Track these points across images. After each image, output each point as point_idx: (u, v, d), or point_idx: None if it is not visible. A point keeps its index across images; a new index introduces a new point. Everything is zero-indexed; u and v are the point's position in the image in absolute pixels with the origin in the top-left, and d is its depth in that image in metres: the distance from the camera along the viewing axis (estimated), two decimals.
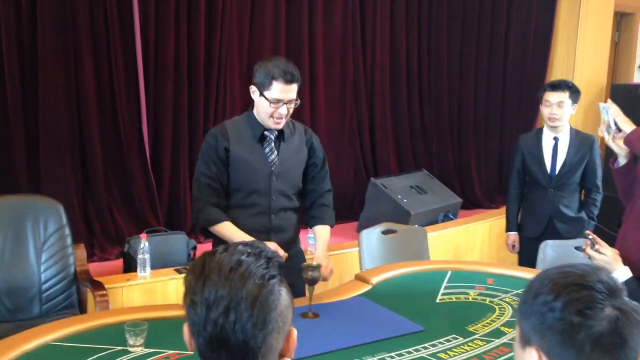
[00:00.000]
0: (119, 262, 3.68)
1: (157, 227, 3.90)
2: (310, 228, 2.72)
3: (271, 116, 2.43)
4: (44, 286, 2.88)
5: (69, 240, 2.96)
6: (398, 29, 5.28)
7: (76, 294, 2.96)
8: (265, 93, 2.41)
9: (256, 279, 1.02)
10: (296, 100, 2.46)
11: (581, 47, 5.86)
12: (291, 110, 2.48)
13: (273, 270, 1.05)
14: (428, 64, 5.52)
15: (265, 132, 2.52)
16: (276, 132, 2.54)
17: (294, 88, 2.43)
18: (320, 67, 4.90)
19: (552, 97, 3.40)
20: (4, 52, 3.54)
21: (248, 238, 2.38)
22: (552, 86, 3.43)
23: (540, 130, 3.60)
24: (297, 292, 2.39)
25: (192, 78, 4.23)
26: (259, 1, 4.51)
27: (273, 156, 2.53)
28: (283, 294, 1.05)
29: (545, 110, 3.46)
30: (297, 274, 2.32)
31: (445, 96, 5.64)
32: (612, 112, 2.58)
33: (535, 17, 5.94)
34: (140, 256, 3.32)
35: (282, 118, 2.45)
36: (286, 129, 2.56)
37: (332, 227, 2.72)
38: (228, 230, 2.46)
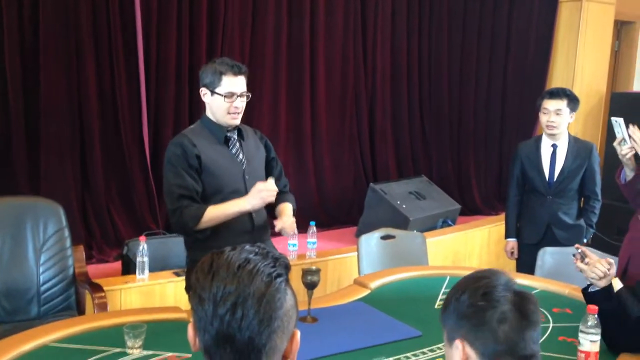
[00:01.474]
0: (118, 265, 3.68)
1: (156, 230, 3.91)
2: (274, 211, 2.67)
3: (228, 112, 2.45)
4: (43, 287, 2.88)
5: (68, 242, 2.96)
6: (399, 36, 5.30)
7: (74, 295, 2.96)
8: (217, 90, 2.43)
9: (264, 276, 1.03)
10: (247, 92, 2.49)
11: (581, 55, 5.87)
12: (244, 105, 2.49)
13: (280, 270, 1.06)
14: (429, 70, 5.54)
15: (228, 134, 2.53)
16: (236, 132, 2.55)
17: (243, 80, 2.46)
18: (321, 72, 4.92)
19: (550, 104, 3.41)
20: (5, 53, 3.55)
21: (241, 204, 2.41)
22: (551, 94, 3.43)
23: (539, 138, 3.61)
24: None
25: (193, 81, 4.23)
26: (261, 5, 4.53)
27: (241, 156, 2.55)
28: (289, 294, 1.07)
29: (543, 118, 3.46)
30: None
31: (445, 102, 5.66)
32: (624, 127, 2.62)
33: (536, 24, 5.96)
34: (139, 259, 3.32)
35: (238, 112, 2.47)
36: (242, 129, 2.59)
37: (294, 209, 2.68)
38: (217, 211, 2.41)
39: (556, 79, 5.96)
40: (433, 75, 5.58)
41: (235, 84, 2.43)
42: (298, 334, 1.10)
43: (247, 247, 1.08)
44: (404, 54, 5.35)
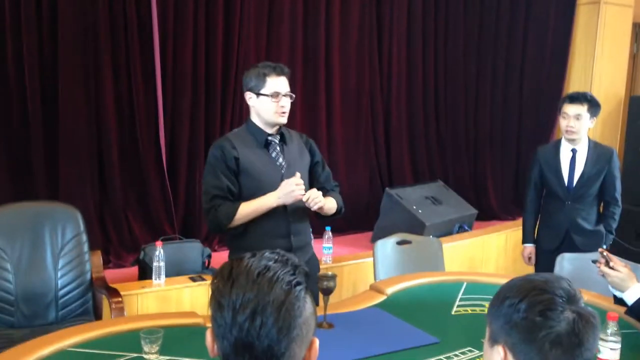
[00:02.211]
0: (134, 270, 3.70)
1: (173, 235, 3.92)
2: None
3: (275, 111, 2.51)
4: (61, 292, 2.90)
5: (86, 247, 2.98)
6: (414, 39, 5.29)
7: (92, 300, 2.98)
8: (263, 91, 2.51)
9: (283, 284, 1.03)
10: (290, 93, 2.55)
11: (599, 59, 5.82)
12: (289, 105, 2.55)
13: (299, 278, 1.06)
14: (444, 74, 5.52)
15: (269, 138, 2.58)
16: (279, 137, 2.61)
17: (285, 81, 2.54)
18: (336, 76, 4.92)
19: (570, 109, 3.37)
20: (24, 60, 3.59)
21: (268, 199, 2.47)
22: (571, 98, 3.39)
23: (558, 142, 3.57)
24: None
25: (209, 88, 4.26)
26: (276, 11, 4.54)
27: (280, 160, 2.59)
28: (308, 302, 1.07)
29: (562, 122, 3.43)
30: (312, 280, 2.33)
31: (461, 107, 5.63)
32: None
33: (553, 28, 5.91)
34: (155, 264, 3.33)
35: (285, 111, 2.53)
36: (286, 133, 2.64)
37: (339, 211, 2.72)
38: (248, 207, 2.48)
39: (574, 82, 5.91)
40: (449, 79, 5.55)
41: (279, 83, 2.52)
42: (317, 342, 1.09)
43: (267, 253, 1.08)
44: (419, 57, 5.34)
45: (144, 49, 3.99)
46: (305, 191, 2.56)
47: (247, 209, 2.48)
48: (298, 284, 1.05)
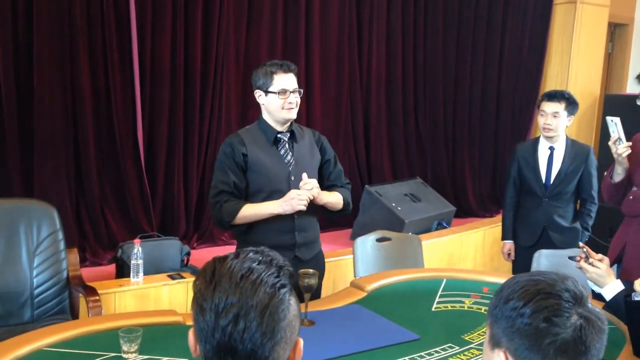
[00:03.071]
0: (111, 268, 3.65)
1: (151, 233, 3.88)
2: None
3: (283, 107, 2.57)
4: (36, 291, 2.85)
5: (62, 245, 2.93)
6: (394, 37, 5.30)
7: (68, 299, 2.93)
8: (271, 88, 2.57)
9: (267, 287, 1.01)
10: (300, 89, 2.61)
11: (575, 57, 5.89)
12: (298, 101, 2.61)
13: (284, 280, 1.04)
14: (423, 72, 5.54)
15: (279, 135, 2.64)
16: (289, 135, 2.66)
17: (293, 78, 2.60)
18: (316, 73, 4.91)
19: (547, 107, 3.41)
20: None
21: (272, 206, 2.53)
22: (549, 96, 3.43)
23: (536, 140, 3.61)
24: (316, 294, 2.58)
25: (188, 82, 4.21)
26: (256, 6, 4.51)
27: (289, 157, 2.64)
28: (292, 304, 1.05)
29: (540, 120, 3.47)
30: (318, 276, 2.42)
31: (440, 104, 5.66)
32: (620, 126, 2.63)
33: (530, 26, 5.98)
34: (133, 262, 3.29)
35: (293, 107, 2.58)
36: (297, 131, 2.69)
37: (348, 207, 2.77)
38: (252, 209, 2.55)
39: (550, 81, 5.98)
40: (428, 76, 5.57)
41: (286, 80, 2.57)
42: (301, 342, 1.08)
43: (251, 254, 1.06)
44: (398, 55, 5.35)
45: (122, 43, 3.93)
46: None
47: (250, 211, 2.55)
48: (282, 286, 1.03)
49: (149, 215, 4.10)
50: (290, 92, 2.57)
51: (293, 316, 1.04)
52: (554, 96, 3.40)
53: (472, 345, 2.21)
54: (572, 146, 3.52)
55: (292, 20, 4.71)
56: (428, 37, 5.51)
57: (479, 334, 2.30)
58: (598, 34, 6.04)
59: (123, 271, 3.45)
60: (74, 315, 2.93)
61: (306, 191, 2.52)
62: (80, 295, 2.90)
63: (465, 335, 2.29)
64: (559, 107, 3.38)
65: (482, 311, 2.53)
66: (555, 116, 3.39)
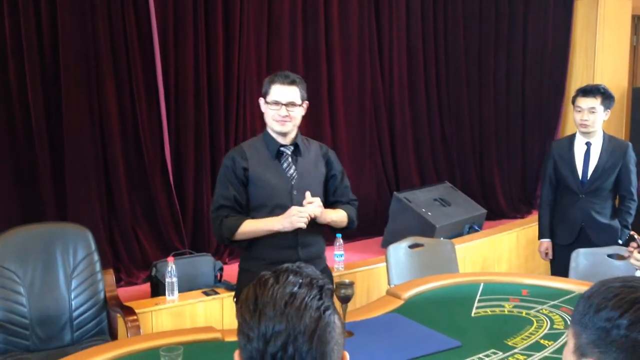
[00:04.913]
0: (146, 287, 3.68)
1: (183, 250, 3.90)
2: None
3: (274, 119, 2.50)
4: (75, 313, 2.88)
5: (98, 266, 2.96)
6: (415, 41, 5.28)
7: (107, 320, 2.95)
8: (267, 98, 2.52)
9: (312, 311, 1.01)
10: (301, 104, 2.52)
11: (600, 52, 5.81)
12: (294, 115, 2.50)
13: (327, 301, 1.04)
14: (446, 75, 5.51)
15: (282, 148, 2.56)
16: (292, 148, 2.57)
17: (292, 90, 2.50)
18: (338, 82, 4.91)
19: (583, 102, 3.35)
20: (27, 81, 3.57)
21: (272, 223, 2.45)
22: (584, 91, 3.36)
23: (572, 136, 3.54)
24: None
25: (212, 99, 4.24)
26: (276, 19, 4.54)
27: (291, 171, 2.55)
28: (337, 323, 1.05)
29: (576, 116, 3.40)
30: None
31: (465, 107, 5.61)
32: None
33: (552, 23, 5.91)
34: (168, 280, 3.31)
35: (286, 121, 2.49)
36: (302, 145, 2.61)
37: (352, 224, 2.68)
38: (252, 225, 2.49)
39: (576, 77, 5.91)
40: (451, 79, 5.54)
41: (282, 92, 2.49)
42: (347, 356, 1.08)
43: (291, 277, 1.05)
44: (420, 59, 5.32)
45: (146, 64, 3.98)
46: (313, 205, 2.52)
47: (249, 227, 2.48)
48: (327, 308, 1.03)
49: (180, 233, 4.12)
50: (283, 104, 2.47)
51: (339, 335, 1.04)
52: (590, 91, 3.34)
53: (516, 350, 2.17)
54: (610, 141, 3.45)
55: (311, 33, 4.72)
56: (449, 39, 5.48)
57: (522, 338, 2.26)
58: (622, 27, 5.95)
59: (158, 290, 3.47)
60: (113, 335, 2.95)
61: (307, 208, 2.43)
62: (118, 315, 2.92)
63: (508, 340, 2.25)
64: (595, 102, 3.32)
65: (524, 314, 2.48)
66: (592, 112, 3.33)
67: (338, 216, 2.61)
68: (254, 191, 2.53)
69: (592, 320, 1.05)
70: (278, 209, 2.50)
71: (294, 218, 2.41)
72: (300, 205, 2.48)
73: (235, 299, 2.67)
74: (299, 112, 2.53)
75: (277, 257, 2.43)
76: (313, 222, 2.52)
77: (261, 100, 2.56)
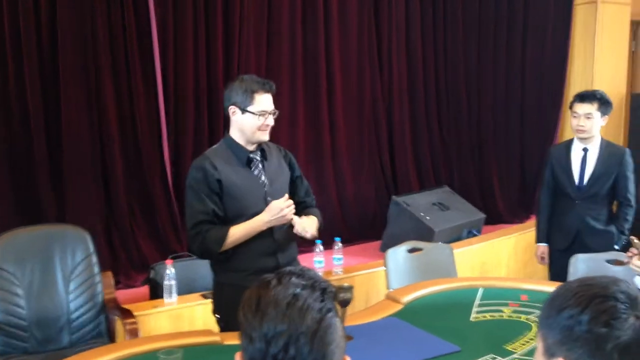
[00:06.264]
0: (145, 289, 3.67)
1: (182, 253, 3.89)
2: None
3: (259, 129, 2.46)
4: (73, 315, 2.87)
5: (96, 269, 2.95)
6: (414, 45, 5.29)
7: (105, 322, 2.94)
8: (249, 108, 2.44)
9: (314, 313, 1.02)
10: (275, 110, 2.50)
11: (599, 58, 5.82)
12: (273, 122, 2.51)
13: (329, 303, 1.05)
14: (445, 79, 5.52)
15: (251, 155, 2.52)
16: (259, 153, 2.55)
17: (271, 98, 2.50)
18: (337, 85, 4.91)
19: (580, 108, 3.35)
20: (26, 81, 3.58)
21: (258, 223, 2.42)
22: (581, 97, 3.37)
23: (570, 141, 3.55)
24: None
25: (211, 99, 4.24)
26: (275, 22, 4.54)
27: (263, 177, 2.53)
28: (338, 325, 1.06)
29: (573, 122, 3.41)
30: None
31: (464, 111, 5.62)
32: None
33: (551, 29, 5.92)
34: (166, 282, 3.30)
35: (268, 129, 2.49)
36: (265, 148, 2.58)
37: (320, 225, 2.63)
38: (238, 232, 2.43)
39: (575, 82, 5.92)
40: (450, 83, 5.55)
41: (267, 101, 2.47)
42: (348, 359, 1.09)
43: (294, 278, 1.06)
44: (419, 62, 5.33)
45: (145, 63, 3.97)
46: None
47: (237, 234, 2.43)
48: (328, 310, 1.04)
49: (178, 235, 4.12)
50: (269, 113, 2.46)
51: (339, 337, 1.05)
52: (586, 97, 3.34)
53: (515, 355, 2.17)
54: (607, 147, 3.46)
55: (311, 35, 4.73)
56: (448, 43, 5.49)
57: (521, 343, 2.26)
58: (620, 33, 5.97)
59: (156, 292, 3.46)
60: (111, 338, 2.94)
61: (288, 202, 2.42)
62: (117, 317, 2.92)
63: (507, 344, 2.25)
64: (592, 108, 3.32)
65: (523, 319, 2.48)
66: (588, 117, 3.33)
67: (315, 223, 2.58)
68: (230, 202, 2.46)
69: (555, 320, 1.09)
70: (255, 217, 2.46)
71: (285, 211, 2.40)
72: None
73: (215, 313, 2.59)
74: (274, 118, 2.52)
75: (257, 266, 2.42)
76: (287, 228, 2.51)
77: (233, 109, 2.46)
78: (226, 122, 4.24)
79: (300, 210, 2.67)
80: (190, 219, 2.45)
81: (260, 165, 2.54)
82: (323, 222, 2.69)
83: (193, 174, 2.46)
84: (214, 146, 2.61)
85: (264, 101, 2.45)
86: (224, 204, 2.46)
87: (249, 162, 2.52)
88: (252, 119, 2.45)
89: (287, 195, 2.47)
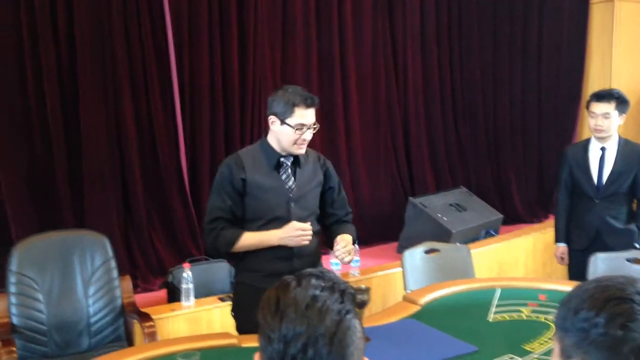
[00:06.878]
0: (163, 293, 3.69)
1: (199, 257, 3.92)
2: (331, 241, 2.63)
3: (295, 142, 2.44)
4: (92, 319, 2.90)
5: (115, 273, 2.98)
6: (429, 45, 5.28)
7: (124, 326, 2.97)
8: (288, 120, 2.41)
9: (333, 314, 1.01)
10: (315, 124, 2.47)
11: (617, 56, 5.76)
12: (311, 135, 2.48)
13: (348, 305, 1.04)
14: (461, 79, 5.50)
15: (282, 159, 2.51)
16: (292, 159, 2.53)
17: (313, 112, 2.45)
18: (352, 87, 4.92)
19: (597, 108, 3.31)
20: (45, 90, 3.63)
21: (271, 237, 2.43)
22: (598, 97, 3.33)
23: (587, 141, 3.51)
24: None
25: (227, 105, 4.27)
26: (290, 24, 4.56)
27: (290, 182, 2.51)
28: (357, 327, 1.05)
29: (590, 122, 3.37)
30: None
31: (480, 111, 5.59)
32: None
33: (568, 27, 5.87)
34: (184, 286, 3.32)
35: (305, 143, 2.47)
36: (301, 156, 2.55)
37: (354, 242, 2.62)
38: (250, 239, 2.45)
39: (592, 81, 5.86)
40: (465, 83, 5.52)
41: (307, 116, 2.42)
42: None
43: (313, 280, 1.06)
44: (434, 63, 5.32)
45: (161, 69, 4.01)
46: (311, 216, 2.53)
47: (248, 241, 2.45)
48: (347, 312, 1.03)
49: (196, 239, 4.14)
50: (307, 127, 2.43)
51: (358, 339, 1.05)
52: (603, 97, 3.30)
53: (534, 355, 2.15)
54: (625, 146, 3.42)
55: (325, 36, 4.74)
56: (463, 43, 5.47)
57: (539, 343, 2.24)
58: (638, 31, 5.89)
59: (174, 296, 3.49)
60: (130, 342, 2.96)
61: (311, 227, 2.42)
62: (135, 321, 2.94)
63: (526, 344, 2.23)
64: (609, 107, 3.28)
65: (542, 319, 2.46)
66: (606, 117, 3.30)
67: (351, 239, 2.57)
68: (251, 203, 2.48)
69: (572, 322, 1.07)
70: (275, 221, 2.47)
71: (299, 239, 2.40)
72: (298, 217, 2.47)
73: (233, 313, 2.61)
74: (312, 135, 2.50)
75: (271, 268, 2.42)
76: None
77: (272, 118, 2.45)
78: (242, 126, 4.31)
79: (332, 224, 2.68)
80: (208, 214, 2.50)
81: (289, 171, 2.53)
82: (356, 237, 2.67)
83: (220, 170, 2.51)
84: (250, 146, 2.66)
85: (304, 115, 2.41)
86: (245, 204, 2.47)
87: (278, 166, 2.52)
88: (289, 132, 2.42)
89: (309, 223, 2.45)
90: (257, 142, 2.61)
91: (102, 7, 3.77)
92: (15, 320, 2.77)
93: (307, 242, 2.43)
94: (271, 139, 2.52)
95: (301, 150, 2.48)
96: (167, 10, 3.97)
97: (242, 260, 2.52)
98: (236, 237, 2.43)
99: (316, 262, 2.61)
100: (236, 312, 2.59)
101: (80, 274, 2.91)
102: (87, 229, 3.32)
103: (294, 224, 2.41)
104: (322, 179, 2.62)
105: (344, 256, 2.47)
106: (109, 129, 3.86)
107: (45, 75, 3.62)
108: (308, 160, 2.59)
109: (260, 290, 1.17)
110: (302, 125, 2.41)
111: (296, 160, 2.54)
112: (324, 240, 2.73)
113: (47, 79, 3.62)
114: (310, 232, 2.43)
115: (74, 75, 3.73)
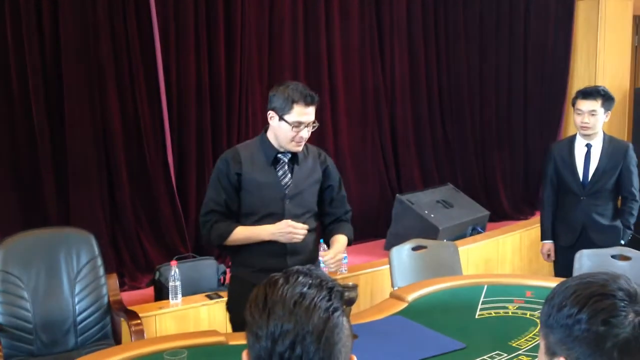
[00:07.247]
0: (150, 290, 3.68)
1: (186, 254, 3.90)
2: (328, 240, 2.66)
3: (292, 140, 2.43)
4: (79, 318, 2.88)
5: (101, 271, 2.96)
6: (416, 42, 5.29)
7: (110, 324, 2.95)
8: (286, 117, 2.40)
9: (321, 312, 1.02)
10: (314, 122, 2.45)
11: (602, 53, 5.81)
12: (309, 133, 2.47)
13: (336, 302, 1.04)
14: (447, 76, 5.51)
15: (279, 155, 2.51)
16: (289, 155, 2.52)
17: (313, 110, 2.43)
18: (340, 84, 4.91)
19: (583, 105, 3.34)
20: (30, 87, 3.59)
21: (262, 233, 2.44)
22: (584, 94, 3.35)
23: (573, 138, 3.54)
24: None
25: (214, 102, 4.25)
26: (277, 22, 4.54)
27: (286, 179, 2.51)
28: (345, 324, 1.05)
29: (577, 119, 3.39)
30: None
31: (466, 108, 5.62)
32: None
33: (554, 24, 5.91)
34: (171, 283, 3.31)
35: (303, 141, 2.46)
36: (300, 153, 2.54)
37: (350, 242, 2.65)
38: (242, 233, 2.47)
39: (578, 78, 5.91)
40: (452, 81, 5.54)
41: (305, 113, 2.40)
42: (355, 359, 1.09)
43: (301, 277, 1.06)
44: (422, 61, 5.33)
45: (147, 66, 3.97)
46: (307, 214, 2.53)
47: (240, 235, 2.46)
48: (335, 310, 1.03)
49: (183, 237, 4.12)
50: (305, 125, 2.41)
51: (346, 336, 1.05)
52: (590, 94, 3.32)
53: (520, 352, 2.17)
54: (610, 142, 3.45)
55: (313, 35, 4.73)
56: (450, 41, 5.49)
57: (526, 340, 2.26)
58: (623, 28, 5.95)
59: (162, 293, 3.47)
60: (117, 340, 2.95)
61: (304, 226, 2.42)
62: (122, 319, 2.92)
63: (512, 341, 2.25)
64: (596, 104, 3.31)
65: (528, 316, 2.48)
66: (592, 114, 3.32)
67: (344, 246, 2.59)
68: (246, 198, 2.49)
69: (555, 319, 1.09)
70: (269, 217, 2.47)
71: (290, 235, 2.41)
72: (293, 214, 2.47)
73: (227, 306, 2.64)
74: (310, 132, 2.48)
75: (264, 264, 2.41)
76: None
77: (271, 114, 2.44)
78: (229, 124, 4.29)
79: (329, 223, 2.68)
80: (204, 207, 2.53)
81: (286, 167, 2.52)
82: (352, 237, 2.68)
83: (218, 164, 2.52)
84: (249, 140, 2.66)
85: (303, 112, 2.38)
86: (240, 198, 2.49)
87: (275, 162, 2.51)
88: (286, 129, 2.41)
89: (307, 227, 2.45)
90: (256, 137, 2.60)
91: (87, 6, 3.73)
92: (0, 318, 2.75)
93: (299, 240, 2.43)
94: (270, 134, 2.51)
95: (298, 148, 2.47)
96: (154, 9, 3.94)
97: (237, 254, 2.54)
98: (229, 230, 2.46)
99: (312, 260, 2.60)
100: (230, 305, 2.62)
101: (66, 271, 2.89)
102: (73, 227, 3.29)
103: (288, 221, 2.42)
104: (321, 176, 2.60)
105: (331, 267, 2.48)
106: (94, 126, 3.83)
107: (30, 70, 3.58)
108: (307, 156, 2.58)
109: (253, 285, 1.17)
110: (300, 123, 2.39)
111: (294, 156, 2.53)
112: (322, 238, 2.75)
113: (31, 75, 3.58)
114: (303, 232, 2.43)
115: (59, 75, 3.69)
